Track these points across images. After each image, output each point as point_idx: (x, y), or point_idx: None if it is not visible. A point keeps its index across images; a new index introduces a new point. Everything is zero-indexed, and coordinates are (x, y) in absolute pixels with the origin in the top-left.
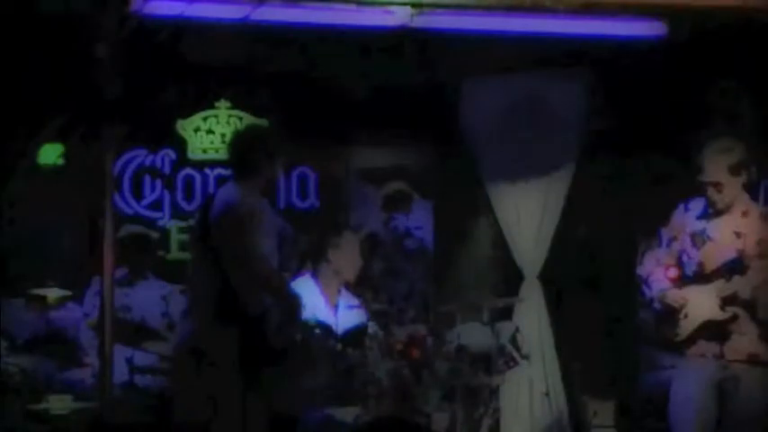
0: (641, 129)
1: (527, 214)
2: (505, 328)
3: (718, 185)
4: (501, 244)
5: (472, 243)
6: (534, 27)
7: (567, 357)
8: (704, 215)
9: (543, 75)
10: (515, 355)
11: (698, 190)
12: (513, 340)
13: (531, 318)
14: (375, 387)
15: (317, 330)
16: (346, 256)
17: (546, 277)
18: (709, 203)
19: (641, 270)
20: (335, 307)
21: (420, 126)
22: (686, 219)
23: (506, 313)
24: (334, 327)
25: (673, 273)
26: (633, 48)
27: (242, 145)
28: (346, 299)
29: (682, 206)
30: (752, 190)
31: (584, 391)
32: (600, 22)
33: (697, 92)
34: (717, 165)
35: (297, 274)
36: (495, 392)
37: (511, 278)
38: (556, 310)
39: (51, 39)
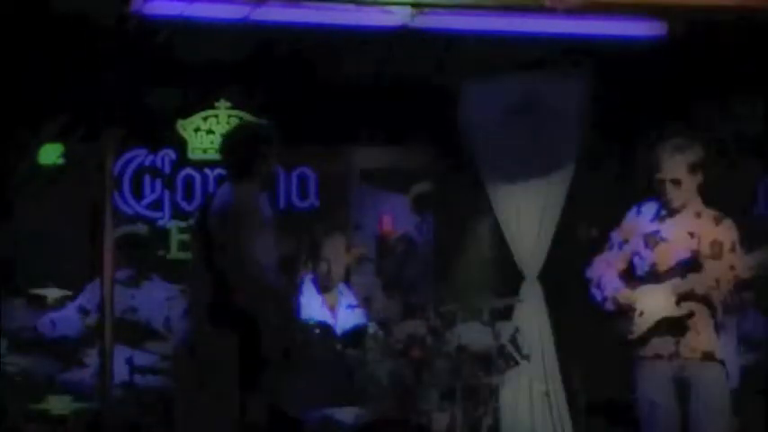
0: (641, 128)
1: (527, 214)
2: (505, 328)
3: (677, 182)
4: (501, 244)
5: (472, 243)
6: (534, 27)
7: (567, 357)
8: (657, 217)
9: (543, 75)
10: (515, 355)
11: (654, 189)
12: (513, 340)
13: (531, 318)
14: (375, 387)
15: (317, 330)
16: (336, 256)
17: (546, 277)
18: (665, 201)
19: (590, 272)
20: (334, 307)
21: (420, 126)
22: (639, 221)
23: (506, 313)
24: (333, 327)
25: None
26: (633, 48)
27: (233, 145)
28: (346, 299)
29: (634, 208)
30: (750, 190)
31: (584, 391)
32: (600, 22)
33: (697, 92)
34: (676, 162)
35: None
36: (495, 392)
37: (511, 278)
38: (556, 310)
39: (51, 39)
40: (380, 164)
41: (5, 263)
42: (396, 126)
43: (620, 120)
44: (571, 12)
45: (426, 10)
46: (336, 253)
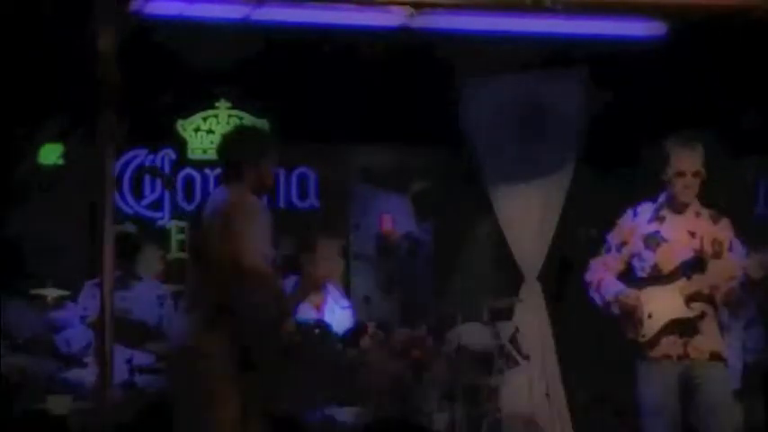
0: (641, 128)
1: (527, 214)
2: (505, 328)
3: (697, 174)
4: (501, 244)
5: (472, 243)
6: (534, 27)
7: (567, 357)
8: (655, 218)
9: (543, 75)
10: (515, 355)
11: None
12: (513, 340)
13: (531, 318)
14: (375, 387)
15: (317, 330)
16: (326, 257)
17: (546, 277)
18: (678, 196)
19: (589, 276)
20: (319, 306)
21: (420, 126)
22: (636, 222)
23: (506, 313)
24: (330, 326)
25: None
26: (633, 48)
27: (227, 148)
28: (333, 298)
29: (630, 210)
30: (751, 190)
31: (584, 391)
32: (600, 22)
33: (697, 91)
34: (696, 155)
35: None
36: (495, 392)
37: (511, 278)
38: (556, 310)
39: (51, 39)
40: (380, 164)
41: (5, 263)
42: (396, 126)
43: (619, 120)
44: (570, 11)
45: (426, 10)
46: (324, 253)
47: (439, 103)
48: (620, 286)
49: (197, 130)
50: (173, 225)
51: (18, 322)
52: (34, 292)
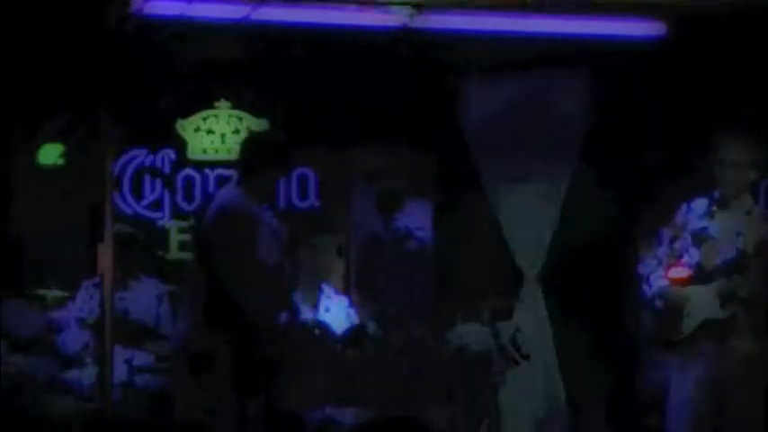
0: (641, 128)
1: (527, 214)
2: (505, 328)
3: (739, 165)
4: (501, 244)
5: (472, 243)
6: (534, 27)
7: (567, 357)
8: (707, 213)
9: (543, 75)
10: (515, 355)
11: (709, 181)
12: (513, 340)
13: (531, 318)
14: (375, 387)
15: (317, 330)
16: (321, 256)
17: (546, 277)
18: (721, 186)
19: (642, 269)
20: (314, 305)
21: (420, 126)
22: (689, 217)
23: (506, 313)
24: (329, 326)
25: (681, 273)
26: (633, 48)
27: (254, 151)
28: (327, 297)
29: (685, 205)
30: (752, 190)
31: (584, 390)
32: (600, 22)
33: (697, 91)
34: (741, 146)
35: None
36: (495, 392)
37: (511, 278)
38: (556, 311)
39: (51, 38)
40: (380, 164)
41: (5, 263)
42: (396, 126)
43: (619, 119)
44: (570, 11)
45: (426, 10)
46: (321, 252)
47: (439, 104)
48: (665, 283)
49: (197, 130)
50: (173, 225)
51: (18, 322)
52: (34, 292)
